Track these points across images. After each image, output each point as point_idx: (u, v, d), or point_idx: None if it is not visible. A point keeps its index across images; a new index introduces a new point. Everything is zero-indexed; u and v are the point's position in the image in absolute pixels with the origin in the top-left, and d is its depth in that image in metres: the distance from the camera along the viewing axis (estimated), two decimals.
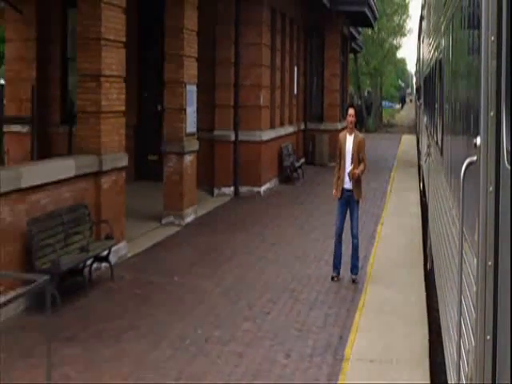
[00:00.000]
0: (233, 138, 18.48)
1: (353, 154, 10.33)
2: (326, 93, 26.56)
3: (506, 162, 2.78)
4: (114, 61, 11.20)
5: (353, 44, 36.91)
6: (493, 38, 2.93)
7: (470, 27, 3.85)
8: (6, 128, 18.26)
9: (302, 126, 25.65)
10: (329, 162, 25.16)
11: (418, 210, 16.69)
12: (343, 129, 12.02)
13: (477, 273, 3.03)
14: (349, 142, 10.44)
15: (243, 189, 18.67)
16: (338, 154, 10.59)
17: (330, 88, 26.60)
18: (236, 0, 18.18)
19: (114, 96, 11.20)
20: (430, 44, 11.97)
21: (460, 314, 3.60)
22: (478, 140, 3.07)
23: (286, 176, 21.34)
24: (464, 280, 3.61)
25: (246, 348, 7.73)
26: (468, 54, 3.97)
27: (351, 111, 10.59)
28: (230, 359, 7.41)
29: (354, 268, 10.57)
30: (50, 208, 9.40)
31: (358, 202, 10.52)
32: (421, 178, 18.71)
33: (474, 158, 3.16)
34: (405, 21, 67.88)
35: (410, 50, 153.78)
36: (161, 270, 11.15)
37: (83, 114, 10.88)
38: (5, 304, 6.67)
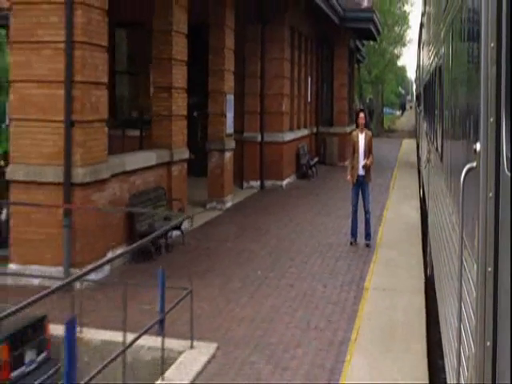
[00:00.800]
0: (259, 139, 21.70)
1: (364, 148, 13.55)
2: (336, 100, 29.86)
3: (506, 168, 2.75)
4: (179, 76, 14.44)
5: (357, 55, 40.16)
6: (492, 45, 2.90)
7: (469, 34, 3.84)
8: None
9: (315, 130, 28.90)
10: (338, 162, 28.40)
11: (416, 202, 19.86)
12: (351, 132, 15.15)
13: (476, 279, 3.03)
14: (361, 138, 13.66)
15: (268, 182, 21.89)
16: (351, 148, 13.81)
17: (338, 96, 29.91)
18: (262, 22, 21.42)
19: (179, 103, 14.44)
20: (430, 51, 12.10)
21: (460, 320, 3.59)
22: (478, 146, 3.06)
23: (303, 173, 24.55)
24: (464, 286, 3.61)
25: (294, 281, 10.97)
26: (468, 60, 3.96)
27: (362, 114, 13.84)
28: (285, 288, 10.64)
29: (368, 236, 13.80)
30: (141, 187, 12.63)
31: (368, 184, 13.72)
32: (420, 185, 19.00)
33: (474, 164, 3.14)
34: (405, 31, 71.18)
35: (410, 57, 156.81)
36: (215, 239, 14.35)
37: (158, 118, 14.11)
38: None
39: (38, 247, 10.27)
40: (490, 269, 2.93)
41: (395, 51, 71.04)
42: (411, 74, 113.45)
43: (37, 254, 10.26)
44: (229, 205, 18.25)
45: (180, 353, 8.02)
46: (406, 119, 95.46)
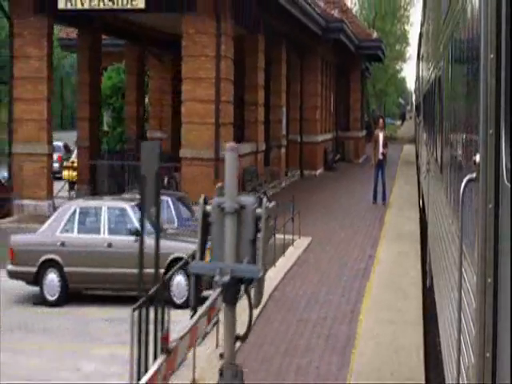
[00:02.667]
0: (299, 139, 29.53)
1: (383, 142, 21.40)
2: (351, 112, 37.79)
3: (506, 179, 2.74)
4: (260, 96, 22.24)
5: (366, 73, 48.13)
6: (492, 56, 2.90)
7: (469, 45, 3.82)
8: (149, 134, 29.09)
9: (336, 134, 36.80)
10: (354, 159, 36.27)
11: (414, 182, 27.61)
12: (363, 136, 23.01)
13: (476, 290, 3.04)
14: (380, 136, 21.53)
15: (305, 172, 29.70)
16: (374, 142, 21.63)
17: (353, 108, 37.88)
18: (301, 54, 29.28)
19: (260, 113, 22.26)
20: (430, 62, 12.17)
21: (459, 331, 3.61)
22: (478, 157, 3.06)
23: (329, 166, 32.37)
24: (463, 297, 3.61)
25: (343, 219, 18.78)
26: (467, 71, 3.94)
27: (381, 120, 21.72)
28: (340, 218, 18.41)
29: (385, 198, 21.61)
30: (246, 165, 20.44)
31: (384, 165, 21.55)
32: (420, 195, 19.71)
33: (474, 175, 3.15)
34: (405, 48, 79.41)
35: (410, 69, 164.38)
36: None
37: (248, 124, 21.92)
38: None
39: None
40: (489, 280, 2.90)
41: (396, 67, 79.25)
42: (411, 85, 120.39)
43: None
44: (283, 185, 26.04)
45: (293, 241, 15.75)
46: (405, 128, 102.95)
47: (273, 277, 12.18)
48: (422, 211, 15.58)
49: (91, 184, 21.62)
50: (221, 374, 6.40)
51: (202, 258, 6.45)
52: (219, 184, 6.24)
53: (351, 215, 19.52)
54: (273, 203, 6.10)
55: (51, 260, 13.41)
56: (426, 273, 12.30)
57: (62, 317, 12.86)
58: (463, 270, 3.62)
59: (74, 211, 13.63)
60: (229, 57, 18.39)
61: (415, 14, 68.77)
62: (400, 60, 78.18)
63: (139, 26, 23.26)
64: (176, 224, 14.93)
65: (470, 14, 3.74)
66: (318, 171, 30.58)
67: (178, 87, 28.88)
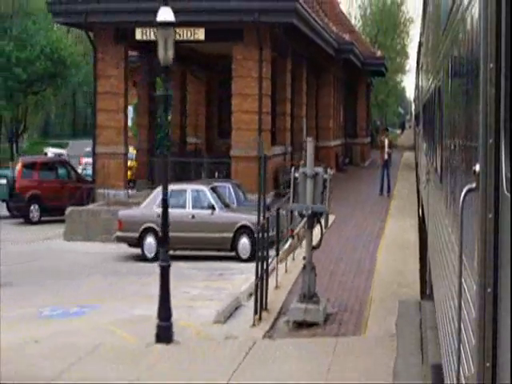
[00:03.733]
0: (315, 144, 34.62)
1: (388, 145, 26.55)
2: (358, 121, 42.98)
3: (505, 189, 2.73)
4: (288, 108, 27.38)
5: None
6: (492, 65, 2.90)
7: (468, 54, 3.82)
8: (188, 139, 34.22)
9: (344, 140, 41.94)
10: (360, 163, 41.38)
11: (413, 180, 32.69)
12: (368, 143, 28.16)
13: (476, 300, 3.04)
14: (386, 140, 26.69)
15: None
16: (380, 145, 26.79)
17: (360, 118, 43.06)
18: (318, 73, 34.42)
19: (287, 122, 27.39)
20: (429, 71, 12.22)
21: (459, 340, 3.63)
22: (477, 167, 3.07)
23: (340, 168, 37.47)
24: (463, 307, 3.63)
25: (356, 205, 23.89)
26: (467, 81, 3.96)
27: (388, 129, 26.87)
28: (356, 204, 23.51)
29: (389, 190, 26.75)
30: (278, 166, 25.53)
31: (389, 165, 26.69)
32: (420, 205, 20.01)
33: (474, 184, 3.16)
34: (404, 60, 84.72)
35: (409, 78, 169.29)
36: None
37: (279, 131, 27.03)
38: None
39: None
40: (489, 290, 2.90)
41: (397, 79, 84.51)
42: (410, 94, 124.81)
43: None
44: None
45: None
46: (405, 137, 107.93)
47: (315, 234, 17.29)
48: (422, 221, 15.38)
49: (149, 178, 26.67)
50: (304, 268, 11.56)
51: (294, 201, 11.61)
52: (301, 169, 11.44)
53: (363, 203, 24.61)
54: (332, 172, 11.29)
55: (150, 228, 18.51)
56: (421, 233, 16.74)
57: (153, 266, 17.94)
58: (463, 279, 3.61)
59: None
60: (268, 77, 23.55)
61: (414, 29, 73.67)
62: (400, 72, 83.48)
63: (188, 49, 28.37)
64: (235, 203, 20.04)
65: (469, 24, 3.74)
66: (331, 172, 35.68)
67: (211, 100, 34.27)
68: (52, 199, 25.33)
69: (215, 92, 34.47)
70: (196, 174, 25.80)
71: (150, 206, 18.70)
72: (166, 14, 11.28)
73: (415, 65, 41.52)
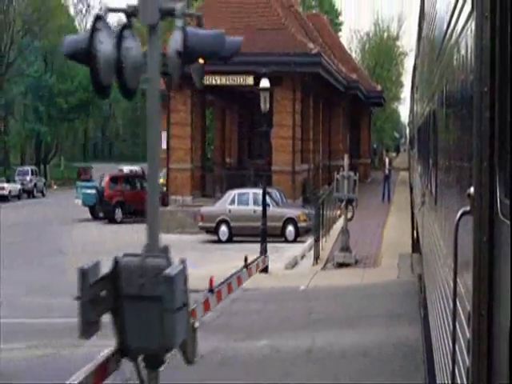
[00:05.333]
0: (328, 163, 42.71)
1: (388, 162, 34.68)
2: (361, 145, 51.17)
3: (500, 212, 2.74)
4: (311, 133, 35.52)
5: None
6: (486, 89, 2.92)
7: (463, 78, 3.88)
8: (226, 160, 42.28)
9: (350, 160, 50.01)
10: (364, 179, 49.47)
11: (408, 192, 40.69)
12: (369, 163, 36.25)
13: (470, 322, 3.08)
14: (387, 159, 34.83)
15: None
16: (382, 164, 34.85)
17: (363, 142, 51.28)
18: (331, 106, 42.58)
19: (318, 146, 35.51)
20: (424, 94, 12.46)
21: (454, 362, 3.68)
22: (472, 190, 3.10)
23: None
24: (458, 329, 3.66)
25: (362, 209, 31.97)
26: (461, 104, 3.99)
27: (387, 151, 34.98)
28: (362, 207, 31.59)
29: (389, 198, 34.84)
30: (304, 178, 33.58)
31: (390, 178, 34.78)
32: (415, 226, 20.09)
33: (468, 208, 3.19)
34: (399, 90, 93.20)
35: (404, 104, 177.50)
36: None
37: (304, 152, 35.14)
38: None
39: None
40: (483, 312, 2.92)
41: (393, 106, 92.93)
42: (404, 118, 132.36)
43: None
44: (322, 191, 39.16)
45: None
46: (400, 159, 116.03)
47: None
48: (417, 241, 16.05)
49: (201, 189, 34.61)
50: (342, 231, 19.58)
51: (336, 191, 19.64)
52: (341, 173, 19.48)
53: (370, 207, 32.52)
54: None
55: (223, 220, 26.44)
56: (413, 222, 25.19)
57: (231, 245, 25.80)
58: (457, 302, 3.62)
59: (234, 194, 26.75)
60: (298, 112, 31.66)
61: (408, 62, 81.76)
62: (395, 101, 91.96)
63: (229, 91, 36.48)
64: (281, 202, 28.01)
65: (463, 48, 3.79)
66: (328, 192, 43.84)
67: (242, 128, 42.39)
68: (131, 204, 33.29)
69: (245, 122, 42.62)
70: (240, 184, 33.68)
71: (223, 204, 26.68)
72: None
73: (409, 90, 44.66)
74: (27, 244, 27.70)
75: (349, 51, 66.23)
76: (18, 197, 52.51)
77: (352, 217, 19.94)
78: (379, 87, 52.21)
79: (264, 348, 11.69)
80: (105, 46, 5.88)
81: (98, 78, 5.77)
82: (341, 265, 19.30)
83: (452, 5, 4.57)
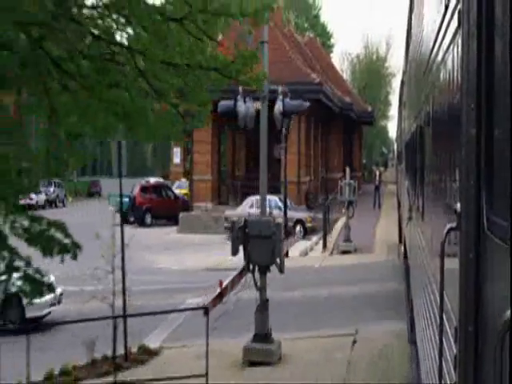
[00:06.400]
0: (325, 175, 48.57)
1: (378, 175, 40.64)
2: (354, 159, 57.21)
3: (486, 228, 2.73)
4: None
5: None
6: (472, 106, 2.92)
7: (450, 95, 3.91)
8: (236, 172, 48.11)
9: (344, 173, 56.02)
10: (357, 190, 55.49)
11: (395, 200, 46.55)
12: (361, 176, 42.22)
13: (458, 337, 3.09)
14: (377, 172, 40.80)
15: (329, 195, 48.80)
16: (374, 176, 40.81)
17: (355, 157, 57.29)
18: (328, 127, 48.53)
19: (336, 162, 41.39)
20: (411, 111, 12.52)
21: (441, 377, 3.71)
22: (458, 206, 3.11)
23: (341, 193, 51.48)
24: (444, 344, 3.69)
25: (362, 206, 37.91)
26: (448, 121, 4.04)
27: (377, 165, 40.96)
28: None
29: (380, 206, 40.82)
30: (307, 188, 39.40)
31: (380, 188, 40.73)
32: (403, 241, 19.96)
33: (455, 224, 3.20)
34: (387, 108, 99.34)
35: (392, 121, 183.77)
36: None
37: (306, 166, 41.00)
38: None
39: None
40: (470, 328, 2.92)
41: (381, 123, 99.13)
42: (392, 133, 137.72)
43: None
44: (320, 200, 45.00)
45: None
46: (388, 174, 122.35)
47: (340, 223, 31.16)
48: (404, 256, 16.05)
49: (218, 197, 40.34)
50: (344, 226, 25.56)
51: (341, 195, 25.64)
52: (344, 181, 25.51)
53: (364, 212, 38.23)
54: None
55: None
56: (400, 224, 31.01)
57: None
58: (444, 317, 3.64)
59: (253, 200, 32.55)
60: (303, 133, 37.51)
61: (395, 82, 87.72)
62: (384, 119, 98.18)
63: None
64: (291, 207, 33.79)
65: (450, 65, 3.82)
66: (332, 197, 49.73)
67: (248, 145, 48.23)
68: (159, 210, 38.99)
69: (251, 140, 48.44)
70: (251, 193, 39.37)
71: (244, 207, 32.44)
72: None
73: (397, 107, 46.34)
74: (92, 241, 33.31)
75: (340, 72, 72.36)
76: (43, 207, 57.92)
77: (353, 215, 25.74)
78: (370, 108, 58.30)
79: (298, 296, 17.47)
80: (240, 107, 11.81)
81: (239, 122, 11.72)
82: (344, 252, 25.09)
83: (439, 21, 4.58)
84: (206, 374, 9.99)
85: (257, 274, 11.98)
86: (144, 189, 40.33)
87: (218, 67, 7.74)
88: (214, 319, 14.46)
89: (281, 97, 12.35)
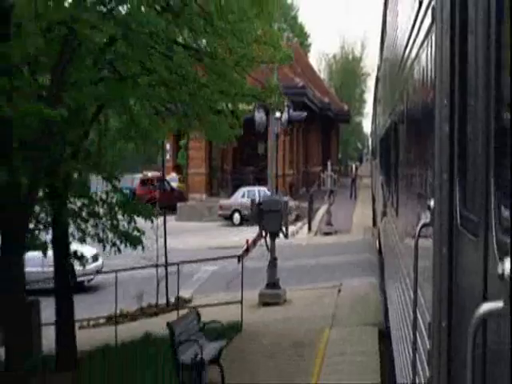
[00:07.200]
0: (305, 170, 52.95)
1: (355, 168, 45.08)
2: (331, 155, 61.60)
3: (459, 223, 2.74)
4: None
5: None
6: (446, 102, 2.93)
7: (423, 92, 3.89)
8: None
9: (322, 168, 60.44)
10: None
11: (369, 193, 51.05)
12: (338, 170, 46.70)
13: (431, 332, 3.11)
14: (354, 166, 45.26)
15: (309, 188, 53.23)
16: (350, 170, 45.23)
17: (332, 152, 61.69)
18: (309, 125, 52.90)
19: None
20: (386, 106, 12.64)
21: (414, 372, 3.75)
22: (432, 202, 3.12)
23: (319, 186, 55.90)
24: (418, 339, 3.72)
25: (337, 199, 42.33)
26: (422, 117, 4.02)
27: (354, 163, 45.45)
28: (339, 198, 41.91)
29: (356, 196, 45.36)
30: (291, 181, 43.77)
31: (356, 181, 45.24)
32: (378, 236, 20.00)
33: (428, 219, 3.21)
34: (362, 106, 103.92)
35: (366, 117, 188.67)
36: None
37: (291, 161, 45.34)
38: None
39: None
40: (444, 324, 2.94)
41: (356, 120, 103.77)
42: (367, 129, 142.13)
43: None
44: (301, 192, 49.36)
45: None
46: (364, 168, 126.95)
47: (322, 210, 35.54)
48: (379, 253, 16.56)
49: (210, 190, 44.47)
50: (326, 212, 30.08)
51: (323, 186, 30.14)
52: (326, 173, 30.03)
53: (342, 201, 42.63)
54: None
55: (236, 209, 36.42)
56: (374, 212, 35.37)
57: (243, 227, 35.78)
58: (418, 312, 3.66)
59: (244, 190, 36.80)
60: (287, 131, 41.82)
61: (370, 81, 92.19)
62: (359, 116, 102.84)
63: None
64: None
65: (424, 62, 3.80)
66: (315, 188, 54.21)
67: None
68: (158, 201, 43.02)
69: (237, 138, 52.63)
70: (239, 185, 43.55)
71: (236, 197, 36.69)
72: None
73: (371, 105, 48.34)
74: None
75: (318, 72, 76.71)
76: None
77: (333, 202, 30.10)
78: (346, 107, 62.75)
79: (292, 264, 21.80)
80: (257, 116, 16.11)
81: (257, 128, 15.99)
82: (326, 233, 29.45)
83: (413, 18, 4.57)
84: (241, 301, 14.26)
85: (268, 239, 16.30)
86: (144, 182, 44.44)
87: (254, 94, 12.05)
88: (230, 280, 18.76)
89: (287, 108, 16.57)
